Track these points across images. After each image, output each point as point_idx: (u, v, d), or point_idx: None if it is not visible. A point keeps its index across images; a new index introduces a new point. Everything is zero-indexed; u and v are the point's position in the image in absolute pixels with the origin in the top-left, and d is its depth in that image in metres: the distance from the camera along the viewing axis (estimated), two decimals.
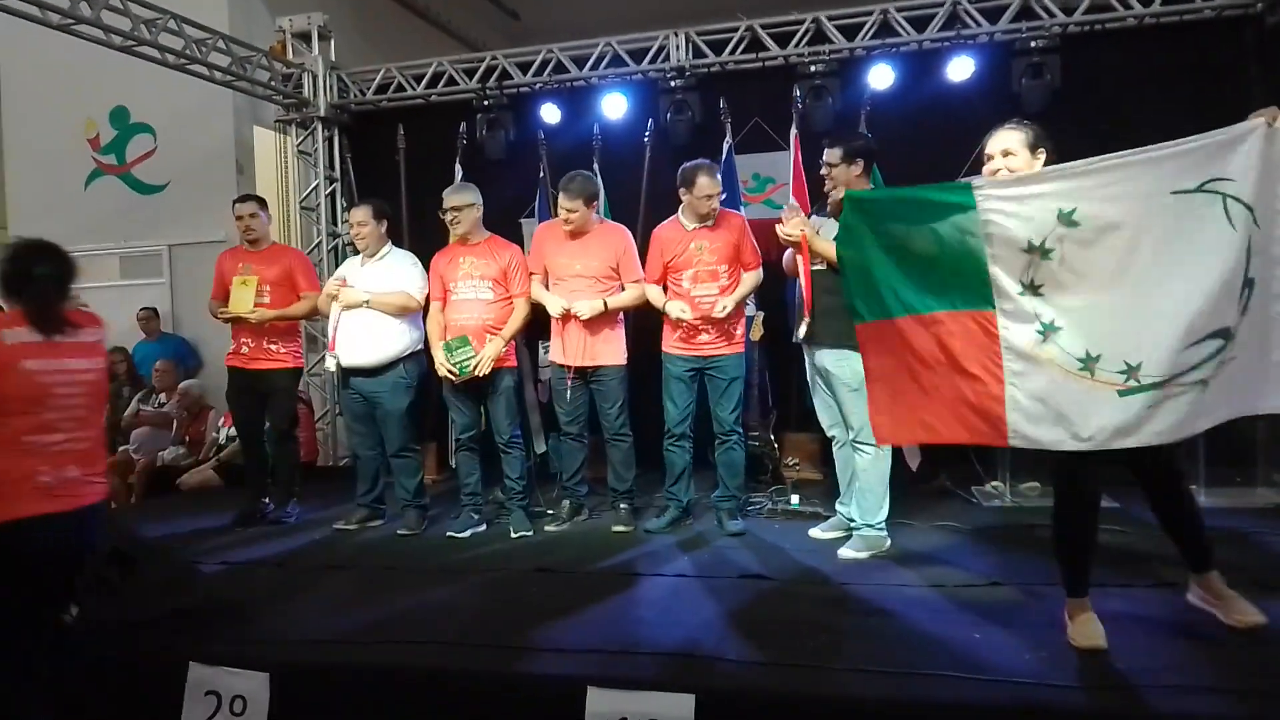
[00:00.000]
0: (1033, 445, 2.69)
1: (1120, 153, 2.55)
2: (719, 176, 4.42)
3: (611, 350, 4.59)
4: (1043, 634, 2.91)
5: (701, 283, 4.42)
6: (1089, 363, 2.56)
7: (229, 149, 7.32)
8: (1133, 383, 2.52)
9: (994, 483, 5.04)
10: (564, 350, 4.59)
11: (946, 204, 2.72)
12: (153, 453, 6.59)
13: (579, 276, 4.54)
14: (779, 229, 4.07)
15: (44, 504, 2.54)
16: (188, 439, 6.62)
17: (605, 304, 4.50)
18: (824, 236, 4.07)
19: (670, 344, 4.52)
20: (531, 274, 4.66)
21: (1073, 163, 2.61)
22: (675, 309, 4.38)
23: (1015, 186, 2.66)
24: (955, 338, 2.76)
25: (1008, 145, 2.81)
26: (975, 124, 5.71)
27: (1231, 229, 2.49)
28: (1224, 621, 2.80)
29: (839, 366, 3.98)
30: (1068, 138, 5.31)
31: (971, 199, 2.66)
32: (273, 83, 6.93)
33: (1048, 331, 2.61)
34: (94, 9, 5.26)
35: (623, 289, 4.59)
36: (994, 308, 2.69)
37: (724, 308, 4.35)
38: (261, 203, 5.10)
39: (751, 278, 4.48)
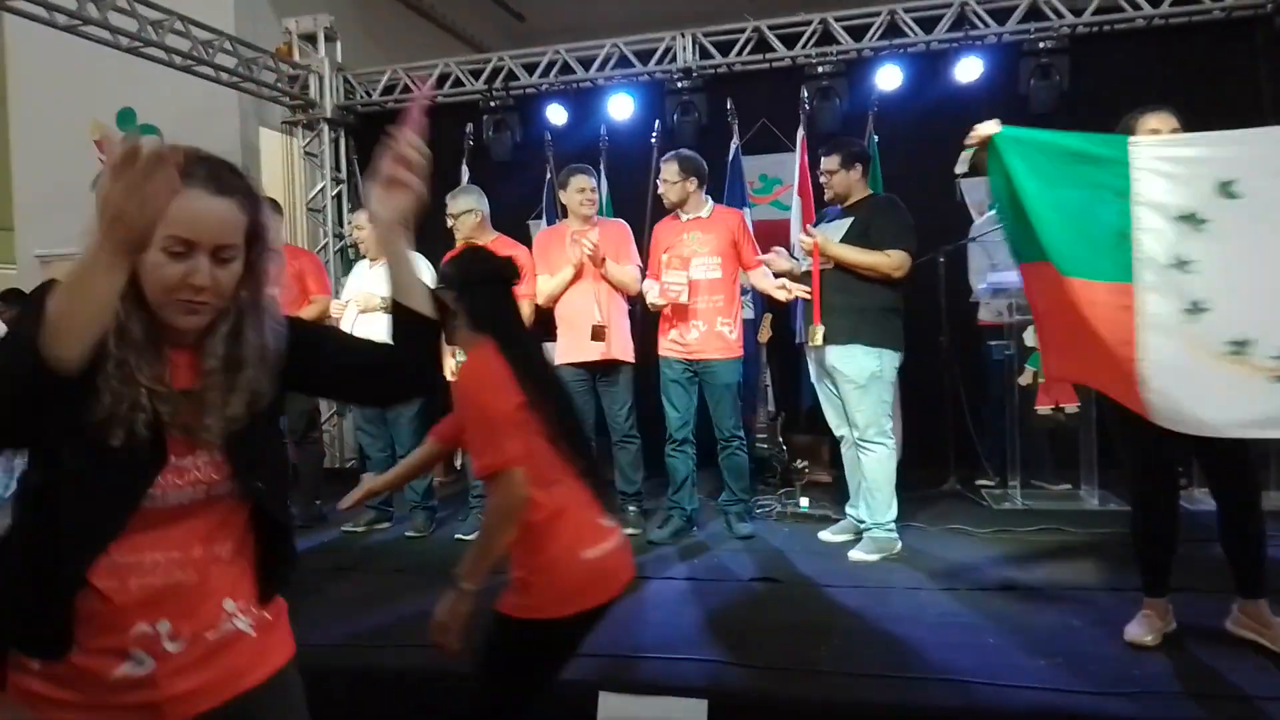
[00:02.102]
0: (1167, 425, 2.50)
1: None
2: (679, 164, 4.42)
3: (620, 345, 4.57)
4: (1058, 639, 2.90)
5: (672, 269, 4.43)
6: (1241, 347, 2.39)
7: (235, 151, 7.29)
8: None
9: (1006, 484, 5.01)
10: (578, 346, 4.54)
11: (1098, 156, 2.58)
12: None
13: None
14: (800, 239, 4.12)
15: None
16: None
17: (606, 261, 4.47)
18: (831, 238, 4.10)
19: (664, 345, 4.50)
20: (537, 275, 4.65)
21: (1238, 130, 2.47)
22: (652, 293, 4.43)
23: (1172, 148, 2.52)
24: (1093, 306, 2.58)
25: (1157, 125, 2.66)
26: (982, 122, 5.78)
27: None
28: (1273, 649, 2.65)
29: (845, 363, 3.98)
30: None
31: (1125, 154, 2.52)
32: (279, 84, 6.93)
33: (1194, 311, 2.44)
34: (101, 10, 5.25)
35: None
36: (1132, 280, 2.51)
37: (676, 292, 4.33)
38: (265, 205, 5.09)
39: (754, 276, 4.46)
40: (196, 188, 1.20)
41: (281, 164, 7.53)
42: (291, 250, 5.23)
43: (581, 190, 4.56)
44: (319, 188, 7.33)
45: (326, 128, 7.20)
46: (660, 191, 4.50)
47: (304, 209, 7.40)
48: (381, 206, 1.37)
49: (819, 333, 4.01)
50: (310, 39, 7.22)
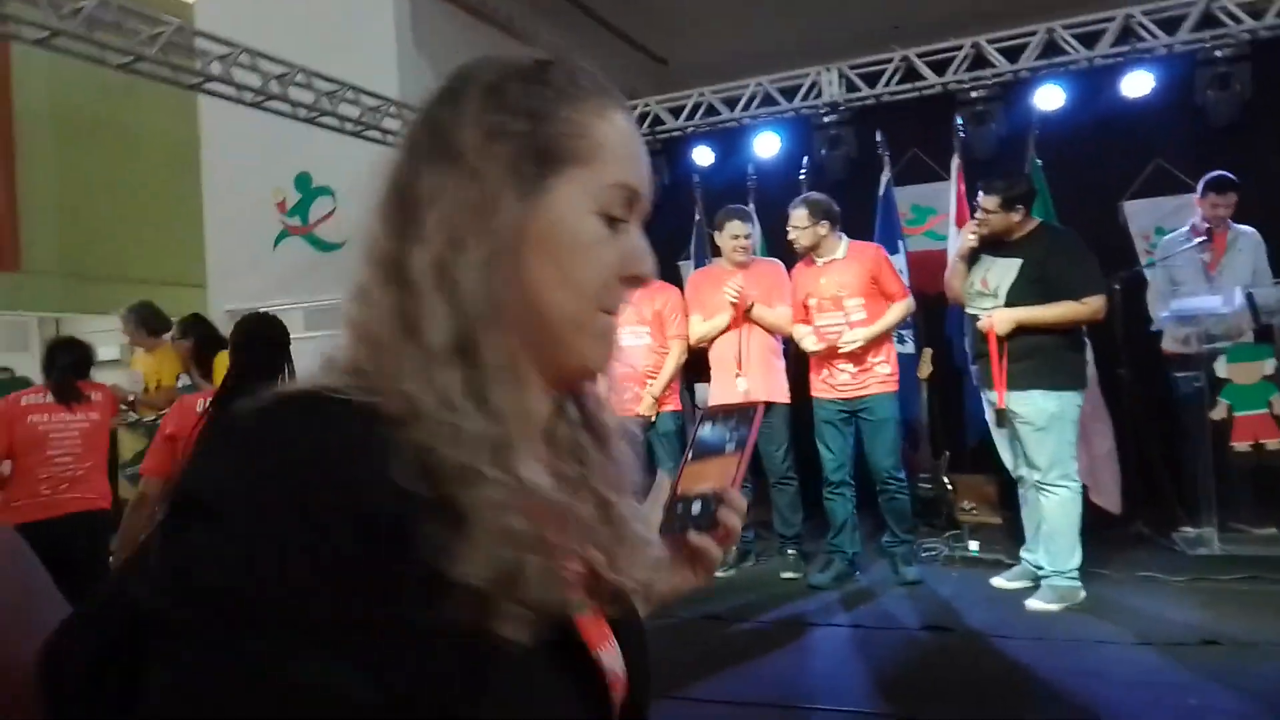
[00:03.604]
0: None
1: None
2: (807, 209, 4.32)
3: (775, 387, 4.52)
4: (1270, 700, 2.65)
5: (825, 312, 4.34)
6: None
7: None
8: None
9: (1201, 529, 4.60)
10: (729, 388, 4.51)
11: None
12: None
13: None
14: (997, 323, 3.87)
15: (39, 513, 3.50)
16: None
17: (755, 305, 4.44)
18: (992, 275, 3.93)
19: (816, 387, 4.42)
20: (690, 316, 4.67)
21: None
22: (809, 341, 4.36)
23: None
24: None
25: None
26: (1154, 140, 5.45)
27: None
28: None
29: (1022, 406, 3.79)
30: (1262, 152, 4.92)
31: None
32: None
33: None
34: (283, 85, 5.69)
35: None
36: None
37: (852, 340, 4.21)
38: None
39: (897, 309, 4.30)
40: (617, 109, 0.66)
41: None
42: None
43: (735, 236, 4.55)
44: None
45: None
46: (791, 238, 4.41)
47: None
48: (667, 575, 0.78)
49: (1003, 397, 3.84)
50: None
